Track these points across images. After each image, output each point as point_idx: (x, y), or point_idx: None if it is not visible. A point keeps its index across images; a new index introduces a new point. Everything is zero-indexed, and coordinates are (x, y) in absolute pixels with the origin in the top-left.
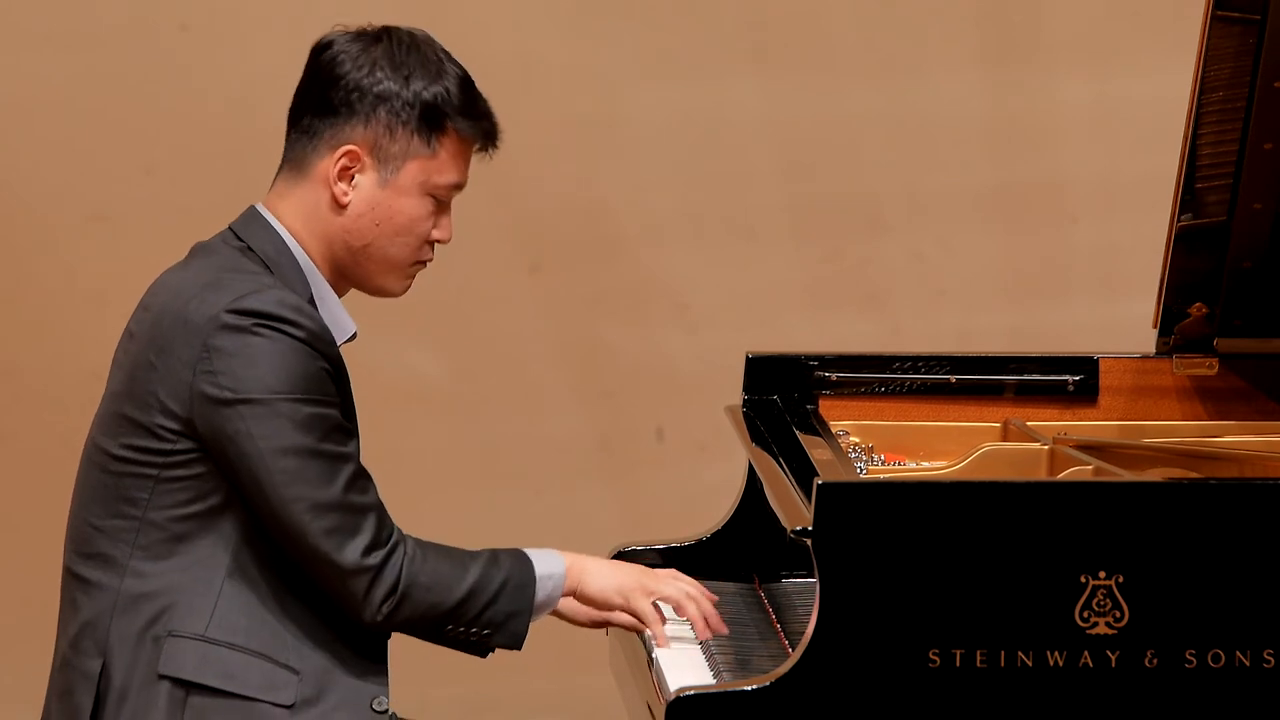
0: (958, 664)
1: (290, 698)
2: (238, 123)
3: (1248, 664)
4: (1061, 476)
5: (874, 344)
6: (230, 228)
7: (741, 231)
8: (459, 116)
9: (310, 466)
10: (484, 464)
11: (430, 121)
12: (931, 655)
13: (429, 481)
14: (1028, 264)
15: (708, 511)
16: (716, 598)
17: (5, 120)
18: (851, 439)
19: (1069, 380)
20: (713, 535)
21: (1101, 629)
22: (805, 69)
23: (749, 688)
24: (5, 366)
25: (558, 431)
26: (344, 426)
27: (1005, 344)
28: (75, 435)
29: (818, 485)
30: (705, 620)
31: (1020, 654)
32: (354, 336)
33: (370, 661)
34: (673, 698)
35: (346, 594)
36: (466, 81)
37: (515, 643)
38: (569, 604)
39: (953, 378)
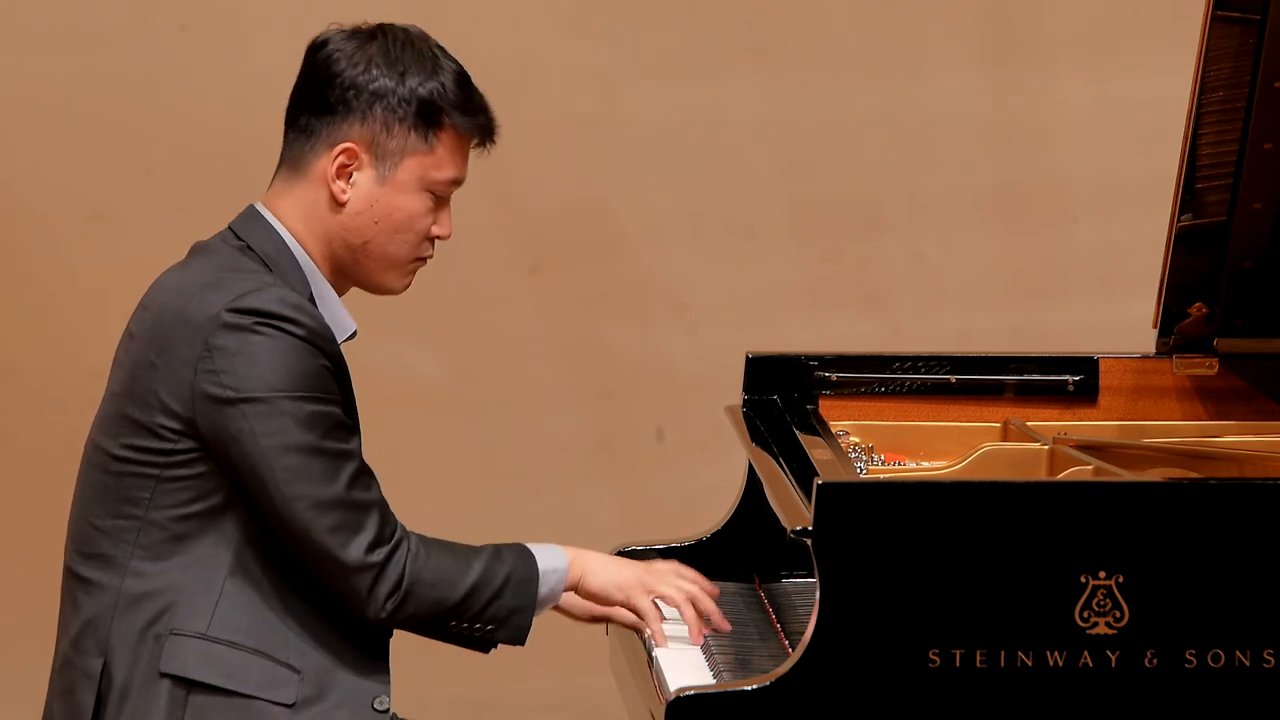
0: (958, 664)
1: (291, 696)
2: (238, 123)
3: (1248, 664)
4: (1061, 476)
5: (874, 344)
6: (230, 227)
7: (741, 231)
8: (455, 112)
9: (313, 464)
10: (484, 464)
11: (427, 117)
12: (931, 655)
13: (429, 481)
14: (1028, 264)
15: (708, 511)
16: (718, 591)
17: (5, 120)
18: (851, 439)
19: (1069, 380)
20: (713, 535)
21: (1101, 629)
22: (805, 69)
23: (749, 688)
24: (5, 366)
25: (558, 431)
26: (346, 424)
27: (1005, 344)
28: (75, 435)
29: (818, 485)
30: (705, 619)
31: (1020, 654)
32: (354, 335)
33: (372, 660)
34: (673, 698)
35: (350, 591)
36: (462, 77)
37: (519, 638)
38: (569, 598)
39: (953, 378)
